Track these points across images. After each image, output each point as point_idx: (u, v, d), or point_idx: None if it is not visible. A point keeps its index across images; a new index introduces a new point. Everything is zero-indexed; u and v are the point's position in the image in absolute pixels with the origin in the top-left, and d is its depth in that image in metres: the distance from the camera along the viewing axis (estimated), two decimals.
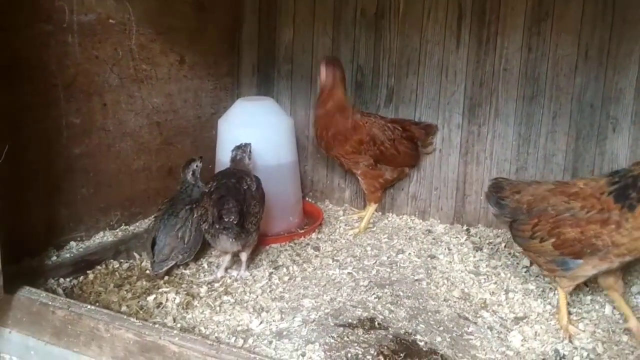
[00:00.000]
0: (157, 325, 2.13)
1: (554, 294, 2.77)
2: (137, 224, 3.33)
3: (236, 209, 2.67)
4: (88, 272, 2.81)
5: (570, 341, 2.43)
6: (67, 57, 2.86)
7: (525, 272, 3.00)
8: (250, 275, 2.88)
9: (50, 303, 2.21)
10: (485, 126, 3.49)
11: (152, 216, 3.19)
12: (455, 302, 2.71)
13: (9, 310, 2.26)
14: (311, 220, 3.64)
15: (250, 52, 4.01)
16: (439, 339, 2.39)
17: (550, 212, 2.48)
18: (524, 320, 2.58)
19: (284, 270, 2.95)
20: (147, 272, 2.87)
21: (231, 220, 2.64)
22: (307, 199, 3.84)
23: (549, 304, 2.70)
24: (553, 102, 3.30)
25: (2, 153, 2.11)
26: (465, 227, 3.56)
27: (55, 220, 2.90)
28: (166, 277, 2.84)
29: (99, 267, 2.87)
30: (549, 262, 2.51)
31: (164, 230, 2.87)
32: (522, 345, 2.40)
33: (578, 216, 2.39)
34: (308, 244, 3.30)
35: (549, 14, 3.23)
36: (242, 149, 3.06)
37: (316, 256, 3.15)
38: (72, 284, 2.70)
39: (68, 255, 2.85)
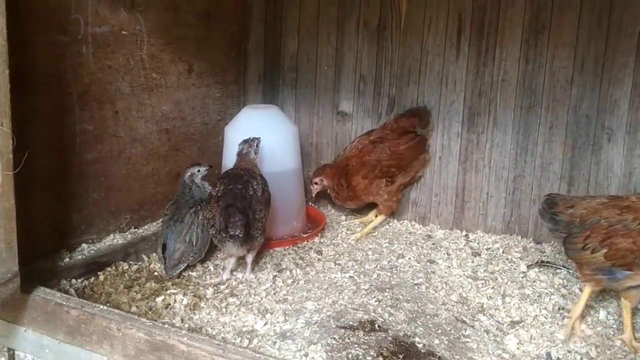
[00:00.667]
0: (166, 326, 2.22)
1: (550, 299, 2.86)
2: (146, 227, 3.42)
3: (242, 222, 2.74)
4: (99, 273, 2.90)
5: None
6: (81, 67, 2.96)
7: (522, 277, 3.09)
8: (255, 277, 2.98)
9: (64, 303, 2.29)
10: (484, 135, 3.58)
11: (160, 220, 3.29)
12: (453, 305, 2.79)
13: (25, 309, 2.34)
14: (314, 224, 3.74)
15: (256, 61, 4.11)
16: (437, 341, 2.47)
17: (602, 224, 2.53)
18: (520, 324, 2.66)
19: (288, 273, 3.05)
20: (156, 273, 2.97)
21: (237, 233, 2.74)
22: (310, 204, 3.93)
23: (545, 308, 2.78)
24: (550, 112, 3.39)
25: (20, 160, 2.21)
26: (464, 233, 3.65)
27: (67, 223, 3.00)
28: (174, 279, 2.93)
29: (109, 268, 2.96)
30: (595, 272, 2.54)
31: (172, 236, 2.98)
32: (518, 348, 2.48)
33: (630, 227, 2.45)
34: (311, 248, 3.40)
35: (545, 27, 3.33)
36: (249, 143, 3.15)
37: (319, 260, 3.25)
38: (83, 284, 2.80)
39: (80, 257, 2.95)
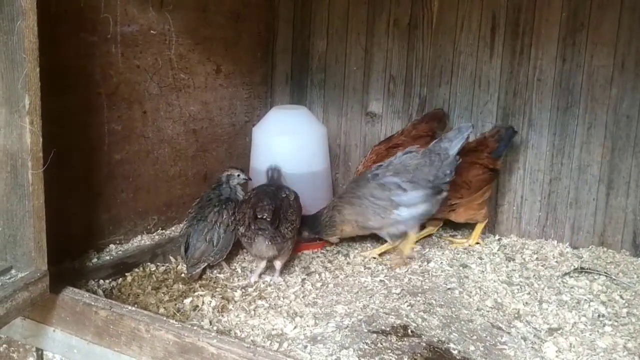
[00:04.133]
0: (195, 327, 2.17)
1: (589, 305, 2.75)
2: (173, 228, 3.40)
3: (270, 207, 2.73)
4: (126, 274, 2.87)
5: None
6: (110, 67, 2.95)
7: (560, 283, 2.98)
8: (284, 281, 2.92)
9: (93, 303, 2.27)
10: (519, 136, 3.48)
11: (185, 220, 3.26)
12: (488, 311, 2.70)
13: (54, 309, 2.33)
14: None
15: (284, 61, 4.08)
16: (472, 347, 2.39)
17: None
18: (558, 332, 2.56)
19: (317, 276, 2.99)
20: (183, 275, 2.94)
21: (264, 217, 2.70)
22: None
23: (584, 315, 2.67)
24: (588, 113, 3.29)
25: (47, 158, 2.19)
26: (497, 237, 3.55)
27: (95, 223, 2.99)
28: (201, 281, 2.89)
29: (136, 269, 2.94)
30: None
31: (194, 235, 2.93)
32: (557, 356, 2.38)
33: None
34: (339, 252, 3.33)
35: (584, 25, 3.23)
36: (277, 170, 3.18)
37: (347, 263, 3.18)
38: (111, 285, 2.77)
39: (108, 257, 2.93)
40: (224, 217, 2.97)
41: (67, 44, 2.73)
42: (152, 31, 3.14)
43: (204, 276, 2.95)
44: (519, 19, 3.41)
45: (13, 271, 2.22)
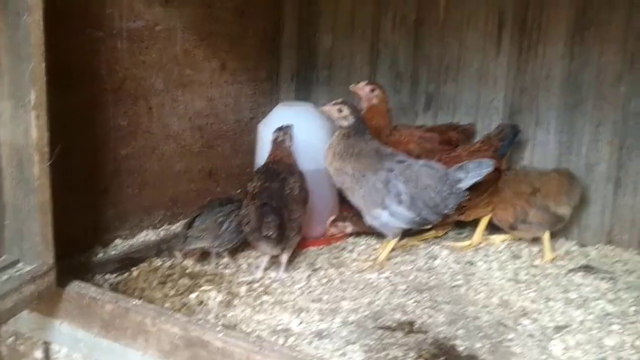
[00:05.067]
0: (201, 321, 2.17)
1: (596, 303, 2.74)
2: (179, 223, 3.39)
3: (275, 223, 2.71)
4: (132, 269, 2.88)
5: None
6: (116, 63, 2.95)
7: (566, 281, 2.97)
8: (289, 276, 2.92)
9: (99, 297, 2.27)
10: (526, 133, 3.46)
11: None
12: (494, 308, 2.69)
13: (60, 302, 2.33)
14: None
15: (289, 58, 4.07)
16: (478, 344, 2.38)
17: None
18: (566, 329, 2.54)
19: (322, 272, 2.98)
20: (188, 270, 2.93)
21: (270, 234, 2.70)
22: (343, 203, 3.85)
23: (591, 313, 2.66)
24: (596, 110, 3.26)
25: (52, 153, 2.19)
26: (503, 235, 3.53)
27: (102, 218, 2.99)
28: (207, 277, 2.88)
29: (142, 264, 2.93)
30: None
31: (207, 213, 2.94)
32: (564, 354, 2.36)
33: None
34: (344, 248, 3.32)
35: (592, 22, 3.22)
36: (284, 130, 3.12)
37: (353, 260, 3.17)
38: (117, 280, 2.77)
39: (113, 252, 2.93)
40: (241, 212, 2.95)
41: (73, 40, 2.73)
42: (157, 27, 3.14)
43: (208, 271, 2.95)
44: (527, 15, 3.39)
45: (20, 264, 2.22)
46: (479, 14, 3.50)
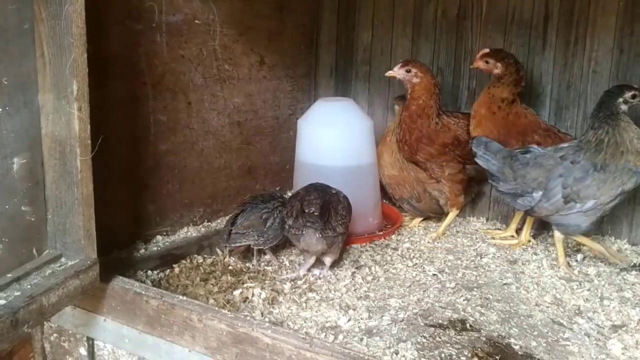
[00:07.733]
0: (248, 317, 2.11)
1: None
2: (219, 220, 3.34)
3: (318, 201, 2.66)
4: (174, 265, 2.84)
5: None
6: (155, 56, 2.91)
7: (620, 280, 2.85)
8: (333, 274, 2.85)
9: (143, 293, 2.22)
10: (573, 129, 3.35)
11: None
12: (547, 307, 2.59)
13: (104, 298, 2.29)
14: (390, 222, 3.58)
15: (328, 53, 4.01)
16: (534, 343, 2.29)
17: None
18: (623, 329, 2.43)
19: (367, 270, 2.90)
20: (230, 267, 2.88)
21: (312, 211, 2.63)
22: (384, 201, 3.77)
23: None
24: None
25: (96, 145, 2.16)
26: (550, 233, 3.40)
27: (142, 214, 2.95)
28: (249, 274, 2.83)
29: (184, 261, 2.90)
30: None
31: (250, 210, 2.89)
32: (623, 354, 2.26)
33: None
34: (388, 245, 3.24)
35: None
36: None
37: (399, 256, 3.09)
38: (159, 276, 2.73)
39: (155, 248, 2.89)
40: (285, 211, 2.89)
41: (113, 32, 2.69)
42: (196, 21, 3.10)
43: (251, 268, 2.90)
44: (574, 7, 3.27)
45: (63, 259, 2.20)
46: (524, 6, 3.38)
